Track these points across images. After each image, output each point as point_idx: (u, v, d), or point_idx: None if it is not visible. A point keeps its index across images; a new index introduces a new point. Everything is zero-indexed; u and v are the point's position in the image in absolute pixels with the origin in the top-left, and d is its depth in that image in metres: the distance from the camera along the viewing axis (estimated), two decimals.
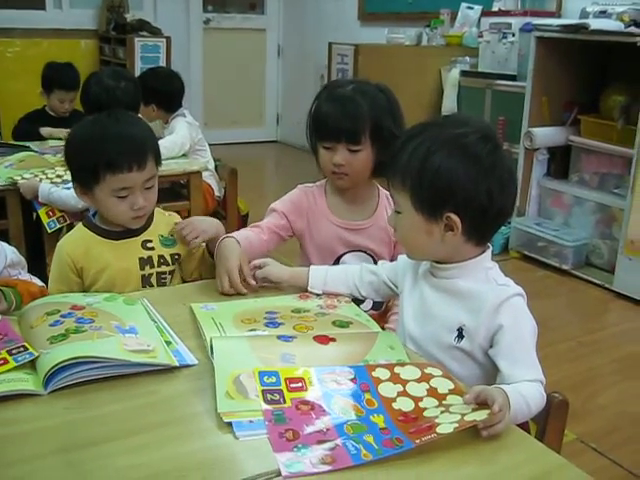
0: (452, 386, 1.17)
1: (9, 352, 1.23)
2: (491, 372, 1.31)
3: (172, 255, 1.77)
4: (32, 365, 1.22)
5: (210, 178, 3.46)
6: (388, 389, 1.16)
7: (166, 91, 3.50)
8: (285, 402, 1.12)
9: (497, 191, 1.28)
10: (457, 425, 1.04)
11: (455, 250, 1.33)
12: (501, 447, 1.06)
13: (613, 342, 3.18)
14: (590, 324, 3.40)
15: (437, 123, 1.39)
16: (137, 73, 5.58)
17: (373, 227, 1.86)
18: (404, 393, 1.15)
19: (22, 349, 1.24)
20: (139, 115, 3.41)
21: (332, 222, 1.85)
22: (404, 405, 1.13)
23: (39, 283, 1.68)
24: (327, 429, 1.06)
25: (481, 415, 1.06)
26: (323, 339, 1.33)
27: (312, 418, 1.09)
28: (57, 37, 6.40)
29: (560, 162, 4.16)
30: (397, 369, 1.21)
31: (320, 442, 1.03)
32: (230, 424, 1.08)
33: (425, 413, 1.10)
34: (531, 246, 4.07)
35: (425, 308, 1.38)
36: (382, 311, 1.88)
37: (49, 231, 2.68)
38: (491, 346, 1.30)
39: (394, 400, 1.14)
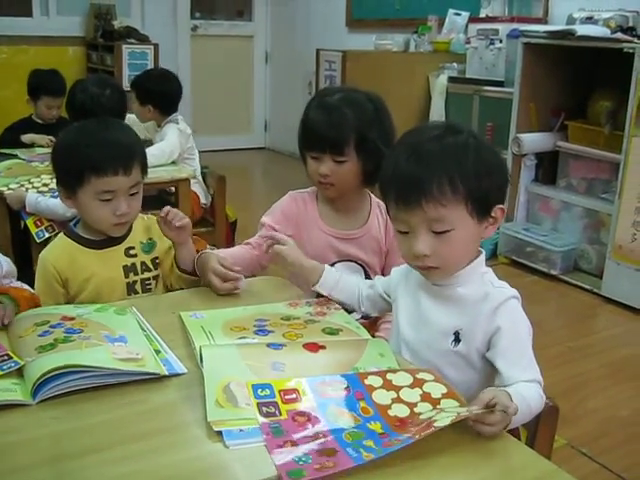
0: (445, 390, 1.17)
1: None
2: (488, 377, 1.31)
3: (152, 260, 1.77)
4: (20, 375, 1.21)
5: (196, 186, 3.45)
6: (382, 396, 1.16)
7: (160, 91, 3.48)
8: (281, 414, 1.11)
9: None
10: (453, 417, 1.04)
11: (476, 248, 1.35)
12: (492, 454, 1.06)
13: (602, 347, 3.19)
14: (579, 329, 3.41)
15: (434, 136, 1.31)
16: (125, 80, 5.58)
17: (364, 237, 1.85)
18: (398, 399, 1.15)
19: (6, 358, 1.23)
20: (132, 115, 3.44)
21: (323, 230, 1.84)
22: (400, 411, 1.12)
23: (30, 290, 1.67)
24: (326, 437, 1.06)
25: (476, 411, 1.06)
26: (313, 347, 1.33)
27: (309, 429, 1.08)
28: (44, 44, 6.38)
29: (548, 168, 4.18)
30: (389, 376, 1.21)
31: (320, 448, 1.02)
32: (220, 433, 1.07)
33: (421, 417, 1.10)
34: (519, 251, 4.08)
35: (420, 314, 1.38)
36: (372, 320, 1.87)
37: (38, 241, 2.66)
38: (488, 349, 1.29)
39: (389, 407, 1.13)
